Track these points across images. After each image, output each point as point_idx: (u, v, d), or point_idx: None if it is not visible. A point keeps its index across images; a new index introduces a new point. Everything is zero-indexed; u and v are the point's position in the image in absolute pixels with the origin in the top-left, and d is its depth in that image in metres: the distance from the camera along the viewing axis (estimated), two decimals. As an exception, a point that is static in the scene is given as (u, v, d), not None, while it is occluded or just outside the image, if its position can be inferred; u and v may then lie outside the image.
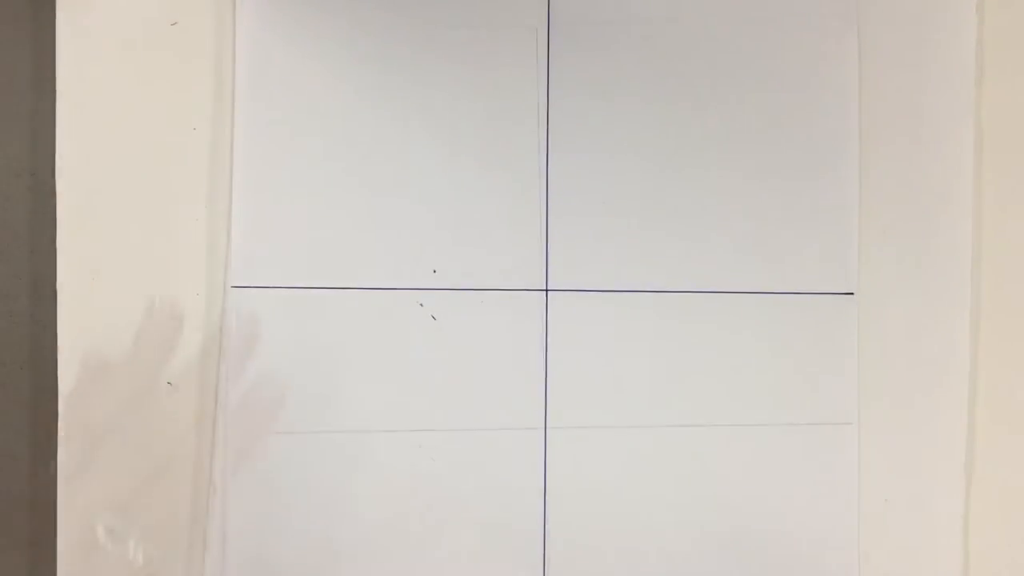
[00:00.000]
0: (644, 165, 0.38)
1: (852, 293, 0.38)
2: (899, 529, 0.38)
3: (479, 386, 0.37)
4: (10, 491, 0.34)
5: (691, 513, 0.37)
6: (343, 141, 0.37)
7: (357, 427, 0.37)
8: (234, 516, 0.36)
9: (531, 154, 0.38)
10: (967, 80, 0.38)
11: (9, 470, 0.38)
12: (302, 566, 0.36)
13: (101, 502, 0.32)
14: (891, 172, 0.38)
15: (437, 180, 0.37)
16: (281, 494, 0.36)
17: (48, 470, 0.35)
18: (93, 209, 0.37)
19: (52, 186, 0.37)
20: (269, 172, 0.37)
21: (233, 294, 0.37)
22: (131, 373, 0.35)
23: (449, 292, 0.37)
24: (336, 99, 0.37)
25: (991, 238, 0.38)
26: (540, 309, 0.37)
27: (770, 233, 0.38)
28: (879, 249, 0.38)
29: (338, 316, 0.37)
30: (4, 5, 0.38)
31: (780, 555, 0.38)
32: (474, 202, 0.37)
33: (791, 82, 0.38)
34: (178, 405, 0.34)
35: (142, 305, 0.37)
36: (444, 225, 0.37)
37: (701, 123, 0.38)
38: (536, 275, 0.37)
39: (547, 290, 0.37)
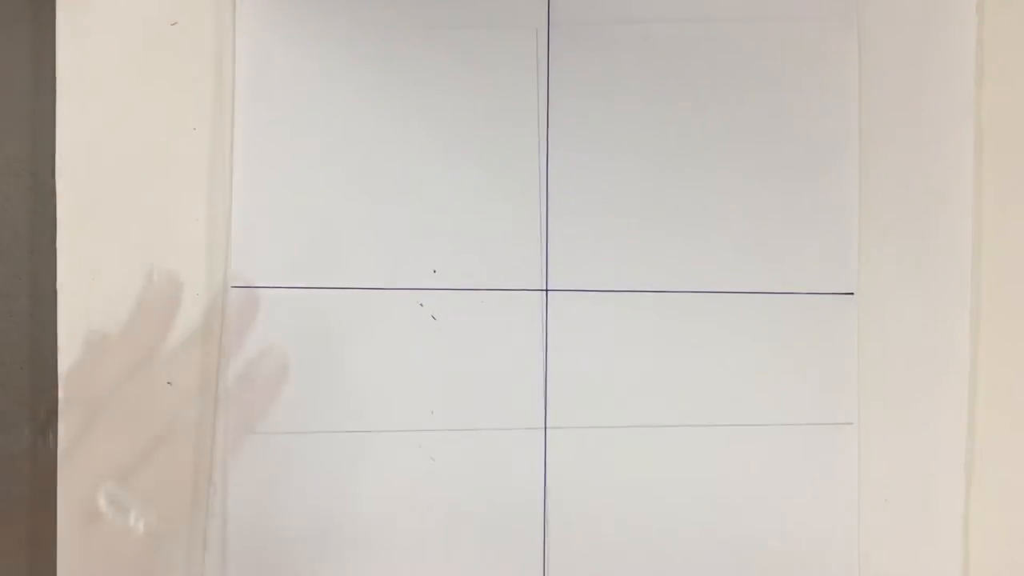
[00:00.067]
0: (644, 165, 0.38)
1: (852, 293, 0.38)
2: (899, 529, 0.38)
3: (479, 386, 0.37)
4: (10, 491, 0.34)
5: (691, 513, 0.37)
6: (343, 141, 0.37)
7: (357, 427, 0.37)
8: (233, 516, 0.36)
9: (531, 154, 0.38)
10: (967, 80, 0.38)
11: (9, 470, 0.38)
12: (302, 566, 0.36)
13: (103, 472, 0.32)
14: (891, 172, 0.38)
15: (437, 180, 0.37)
16: (280, 494, 0.36)
17: (47, 443, 0.35)
18: (93, 209, 0.37)
19: (52, 186, 0.37)
20: (269, 172, 0.37)
21: (233, 294, 0.37)
22: (131, 376, 0.35)
23: (449, 292, 0.37)
24: (336, 99, 0.37)
25: (991, 238, 0.38)
26: (540, 309, 0.37)
27: (770, 233, 0.38)
28: (879, 249, 0.38)
29: (338, 316, 0.37)
30: (4, 5, 0.38)
31: (780, 555, 0.38)
32: (474, 202, 0.37)
33: (791, 82, 0.38)
34: (177, 402, 0.34)
35: (143, 307, 0.37)
36: (444, 225, 0.37)
37: (701, 123, 0.38)
38: (536, 275, 0.37)
39: (547, 290, 0.37)
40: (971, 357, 0.38)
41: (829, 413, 0.38)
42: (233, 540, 0.36)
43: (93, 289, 0.37)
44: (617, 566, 0.37)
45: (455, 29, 0.38)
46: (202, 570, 0.36)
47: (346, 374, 0.37)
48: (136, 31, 0.38)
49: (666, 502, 0.37)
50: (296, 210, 0.37)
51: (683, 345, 0.37)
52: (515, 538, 0.37)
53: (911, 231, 0.38)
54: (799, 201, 0.38)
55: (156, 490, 0.32)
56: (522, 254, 0.37)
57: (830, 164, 0.38)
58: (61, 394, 0.34)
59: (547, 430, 0.37)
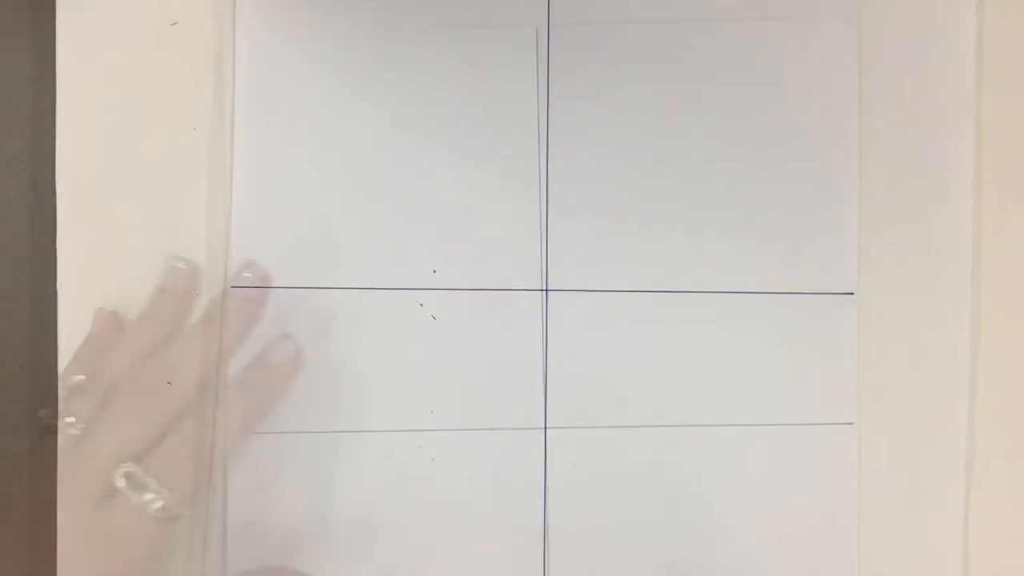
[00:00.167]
0: (644, 165, 0.38)
1: (852, 293, 0.38)
2: (899, 529, 0.38)
3: (479, 386, 0.37)
4: (10, 491, 0.34)
5: (691, 513, 0.37)
6: (343, 141, 0.37)
7: (356, 427, 0.37)
8: (233, 516, 0.36)
9: (531, 154, 0.38)
10: (967, 80, 0.38)
11: (9, 471, 0.38)
12: (302, 565, 0.36)
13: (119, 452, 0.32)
14: (891, 172, 0.38)
15: (437, 180, 0.37)
16: (279, 494, 0.36)
17: (47, 443, 0.35)
18: (93, 209, 0.37)
19: (52, 186, 0.37)
20: (269, 172, 0.37)
21: (233, 294, 0.37)
22: (129, 376, 0.35)
23: (449, 292, 0.37)
24: (336, 99, 0.37)
25: (991, 238, 0.38)
26: (540, 309, 0.37)
27: (770, 233, 0.38)
28: (879, 249, 0.38)
29: (338, 316, 0.37)
30: (4, 5, 0.38)
31: (780, 555, 0.38)
32: (474, 202, 0.37)
33: (791, 82, 0.38)
34: (177, 402, 0.34)
35: (142, 306, 0.37)
36: (444, 225, 0.37)
37: (701, 123, 0.38)
38: (535, 275, 0.37)
39: (546, 290, 0.37)
40: (971, 357, 0.38)
41: (829, 413, 0.38)
42: (233, 540, 0.36)
43: (93, 289, 0.37)
44: (618, 565, 0.37)
45: (455, 29, 0.38)
46: (202, 570, 0.36)
47: (346, 374, 0.37)
48: (136, 31, 0.38)
49: (666, 502, 0.37)
50: (296, 210, 0.37)
51: (683, 345, 0.37)
52: (515, 538, 0.37)
53: (911, 231, 0.38)
54: (799, 201, 0.38)
55: (170, 476, 0.32)
56: (522, 254, 0.37)
57: (830, 164, 0.38)
58: (75, 376, 0.34)
59: (547, 430, 0.37)
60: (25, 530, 0.34)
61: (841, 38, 0.38)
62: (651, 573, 0.37)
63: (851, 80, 0.38)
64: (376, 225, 0.37)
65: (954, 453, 0.38)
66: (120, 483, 0.31)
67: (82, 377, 0.34)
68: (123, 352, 0.35)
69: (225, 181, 0.37)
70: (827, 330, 0.38)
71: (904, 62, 0.38)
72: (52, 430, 0.33)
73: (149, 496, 0.31)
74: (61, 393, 0.34)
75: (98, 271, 0.37)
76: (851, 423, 0.38)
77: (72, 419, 0.33)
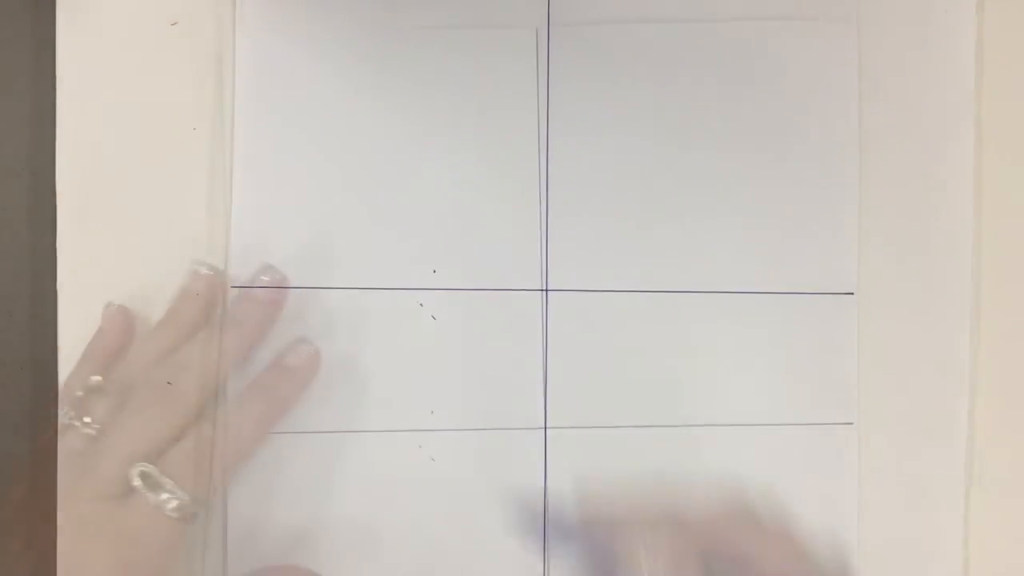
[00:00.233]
0: (644, 165, 0.38)
1: (852, 293, 0.38)
2: (899, 529, 0.38)
3: (479, 386, 0.37)
4: (10, 492, 0.34)
5: (691, 513, 0.37)
6: (343, 141, 0.37)
7: (356, 427, 0.37)
8: (233, 516, 0.36)
9: (531, 154, 0.38)
10: (967, 80, 0.38)
11: (9, 471, 0.38)
12: (303, 565, 0.36)
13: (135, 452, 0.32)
14: (891, 172, 0.38)
15: (437, 180, 0.37)
16: (279, 494, 0.36)
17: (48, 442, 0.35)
18: (93, 209, 0.37)
19: (52, 186, 0.37)
20: (269, 172, 0.37)
21: (233, 295, 0.37)
22: (146, 376, 0.35)
23: (449, 292, 0.37)
24: (336, 99, 0.37)
25: (991, 238, 0.38)
26: (539, 309, 0.37)
27: (770, 233, 0.38)
28: (879, 249, 0.38)
29: (337, 316, 0.37)
30: (4, 5, 0.38)
31: (780, 555, 0.38)
32: (474, 202, 0.37)
33: (791, 82, 0.38)
34: (193, 401, 0.34)
35: (142, 306, 0.37)
36: (444, 225, 0.37)
37: (701, 123, 0.38)
38: (535, 275, 0.37)
39: (546, 290, 0.37)
40: (971, 357, 0.38)
41: (829, 413, 0.38)
42: (233, 540, 0.36)
43: (93, 289, 0.37)
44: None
45: (455, 29, 0.38)
46: (202, 569, 0.36)
47: (346, 374, 0.37)
48: (136, 31, 0.38)
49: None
50: (296, 210, 0.37)
51: (682, 345, 0.37)
52: (516, 538, 0.37)
53: (911, 231, 0.38)
54: (799, 201, 0.38)
55: (185, 476, 0.32)
56: (522, 254, 0.37)
57: (830, 164, 0.38)
58: (92, 377, 0.34)
59: (547, 430, 0.37)
60: (25, 530, 0.34)
61: (841, 38, 0.38)
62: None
63: (851, 80, 0.38)
64: (376, 225, 0.37)
65: (954, 453, 0.38)
66: (136, 483, 0.32)
67: (99, 378, 0.34)
68: (141, 353, 0.35)
69: (225, 181, 0.37)
70: (827, 330, 0.38)
71: (904, 62, 0.38)
72: (65, 429, 0.33)
73: (164, 496, 0.32)
74: (77, 393, 0.34)
75: (98, 271, 0.37)
76: (851, 423, 0.38)
77: (88, 419, 0.33)
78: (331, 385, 0.37)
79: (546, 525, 0.37)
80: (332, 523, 0.37)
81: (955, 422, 0.38)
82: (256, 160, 0.37)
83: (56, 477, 0.32)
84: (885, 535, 0.38)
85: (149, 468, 0.32)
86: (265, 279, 0.36)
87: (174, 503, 0.32)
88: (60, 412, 0.34)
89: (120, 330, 0.36)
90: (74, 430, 0.33)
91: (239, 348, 0.35)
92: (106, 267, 0.37)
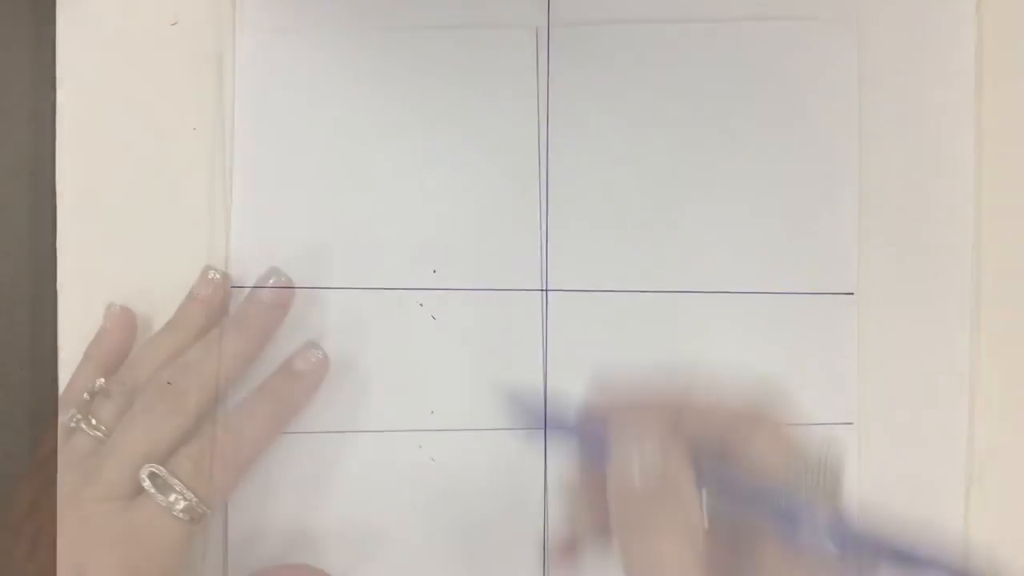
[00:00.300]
0: (644, 165, 0.38)
1: (852, 293, 0.38)
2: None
3: (479, 386, 0.37)
4: (10, 491, 0.34)
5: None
6: (343, 141, 0.37)
7: (355, 427, 0.37)
8: (233, 517, 0.36)
9: (531, 154, 0.38)
10: (967, 80, 0.38)
11: (9, 470, 0.38)
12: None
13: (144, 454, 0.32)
14: (891, 172, 0.38)
15: (437, 180, 0.37)
16: (279, 494, 0.36)
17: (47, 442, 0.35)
18: (93, 209, 0.37)
19: (52, 186, 0.37)
20: (269, 172, 0.37)
21: (233, 295, 0.37)
22: (153, 378, 0.35)
23: (449, 292, 0.37)
24: (336, 99, 0.38)
25: (991, 238, 0.38)
26: (539, 309, 0.37)
27: (770, 233, 0.38)
28: (879, 249, 0.38)
29: (337, 316, 0.37)
30: (4, 5, 0.39)
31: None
32: (474, 202, 0.37)
33: (791, 82, 0.38)
34: (200, 403, 0.34)
35: (142, 306, 0.37)
36: (444, 225, 0.37)
37: (701, 123, 0.38)
38: (535, 275, 0.37)
39: (546, 290, 0.37)
40: (971, 357, 0.38)
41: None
42: (233, 540, 0.36)
43: (93, 289, 0.37)
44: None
45: (455, 29, 0.38)
46: (202, 570, 0.36)
47: (346, 374, 0.37)
48: (136, 31, 0.38)
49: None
50: (296, 210, 0.37)
51: (683, 345, 0.37)
52: (515, 538, 0.37)
53: (911, 231, 0.38)
54: (799, 201, 0.38)
55: (193, 478, 0.33)
56: (522, 254, 0.37)
57: (830, 164, 0.38)
58: (97, 380, 0.34)
59: (547, 429, 0.37)
60: (25, 530, 0.34)
61: (841, 38, 0.38)
62: (651, 573, 0.37)
63: (851, 80, 0.38)
64: (376, 225, 0.37)
65: (954, 453, 0.38)
66: (146, 484, 0.32)
67: (102, 380, 0.34)
68: (148, 355, 0.35)
69: (225, 181, 0.37)
70: (827, 330, 0.38)
71: (904, 62, 0.38)
72: (72, 432, 0.33)
73: (173, 497, 0.32)
74: (83, 395, 0.34)
75: (98, 270, 0.37)
76: (851, 423, 0.38)
77: (94, 420, 0.33)
78: (331, 385, 0.37)
79: (546, 525, 0.37)
80: (332, 523, 0.36)
81: (955, 422, 0.38)
82: (256, 160, 0.37)
83: (56, 477, 0.32)
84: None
85: (158, 469, 0.32)
86: (271, 282, 0.36)
87: (182, 504, 0.32)
88: (63, 413, 0.34)
89: (122, 330, 0.36)
90: (81, 432, 0.33)
91: (245, 351, 0.35)
92: (106, 266, 0.37)
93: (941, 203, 0.38)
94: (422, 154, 0.37)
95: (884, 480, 0.38)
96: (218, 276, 0.36)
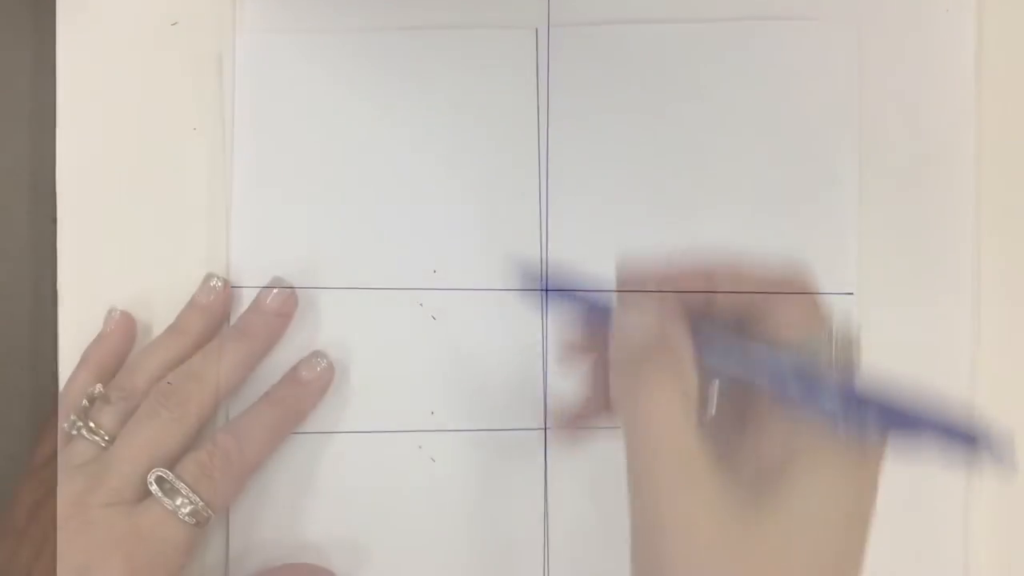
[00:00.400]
0: (644, 165, 0.38)
1: (852, 293, 0.38)
2: (899, 530, 0.38)
3: (479, 386, 0.37)
4: (10, 490, 0.34)
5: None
6: (343, 141, 0.37)
7: (355, 428, 0.37)
8: (233, 517, 0.36)
9: (531, 154, 0.38)
10: (967, 80, 0.38)
11: (9, 470, 0.38)
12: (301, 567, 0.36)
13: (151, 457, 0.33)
14: (891, 172, 0.38)
15: (437, 180, 0.37)
16: (279, 495, 0.36)
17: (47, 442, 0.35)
18: (93, 209, 0.37)
19: (52, 186, 0.37)
20: (269, 172, 0.37)
21: (233, 295, 0.37)
22: (157, 384, 0.35)
23: (449, 292, 0.37)
24: (336, 99, 0.38)
25: (991, 238, 0.38)
26: (539, 309, 0.37)
27: (770, 233, 0.38)
28: (879, 249, 0.38)
29: (337, 316, 0.37)
30: (4, 5, 0.39)
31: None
32: (474, 202, 0.37)
33: (791, 82, 0.38)
34: (204, 409, 0.34)
35: (141, 309, 0.37)
36: (444, 225, 0.37)
37: (701, 123, 0.38)
38: (535, 275, 0.37)
39: (546, 290, 0.37)
40: (971, 357, 0.38)
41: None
42: (233, 541, 0.36)
43: (93, 289, 0.37)
44: (619, 566, 0.37)
45: (455, 29, 0.38)
46: (205, 572, 0.36)
47: (346, 374, 0.37)
48: (136, 31, 0.38)
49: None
50: (296, 209, 0.37)
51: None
52: (516, 539, 0.37)
53: (911, 231, 0.38)
54: (799, 201, 0.38)
55: (199, 482, 0.33)
56: (522, 254, 0.37)
57: (830, 164, 0.38)
58: (95, 387, 0.34)
59: (547, 430, 0.37)
60: (29, 534, 0.34)
61: (841, 38, 0.38)
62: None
63: (851, 80, 0.38)
64: (376, 225, 0.37)
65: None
66: (153, 488, 0.32)
67: (100, 387, 0.34)
68: (151, 361, 0.35)
69: (225, 181, 0.37)
70: (827, 330, 0.38)
71: (904, 62, 0.38)
72: (72, 438, 0.34)
73: (180, 500, 0.32)
74: (81, 401, 0.34)
75: (98, 270, 0.37)
76: (851, 423, 0.38)
77: (93, 424, 0.33)
78: (331, 385, 0.37)
79: (546, 525, 0.37)
80: (332, 523, 0.36)
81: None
82: (256, 160, 0.37)
83: (56, 476, 0.32)
84: (885, 535, 0.38)
85: (165, 474, 0.32)
86: (275, 292, 0.36)
87: (188, 508, 0.32)
88: (62, 419, 0.34)
89: (122, 336, 0.36)
90: (80, 438, 0.33)
91: (248, 358, 0.35)
92: (106, 265, 0.37)
93: (941, 203, 0.38)
94: (422, 154, 0.37)
95: (884, 480, 0.38)
96: (219, 284, 0.36)
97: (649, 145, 0.38)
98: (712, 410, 0.29)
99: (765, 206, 0.38)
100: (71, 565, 0.31)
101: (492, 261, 0.37)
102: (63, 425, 0.34)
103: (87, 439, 0.33)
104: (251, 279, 0.37)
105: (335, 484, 0.37)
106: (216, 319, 0.36)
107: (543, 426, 0.37)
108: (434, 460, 0.37)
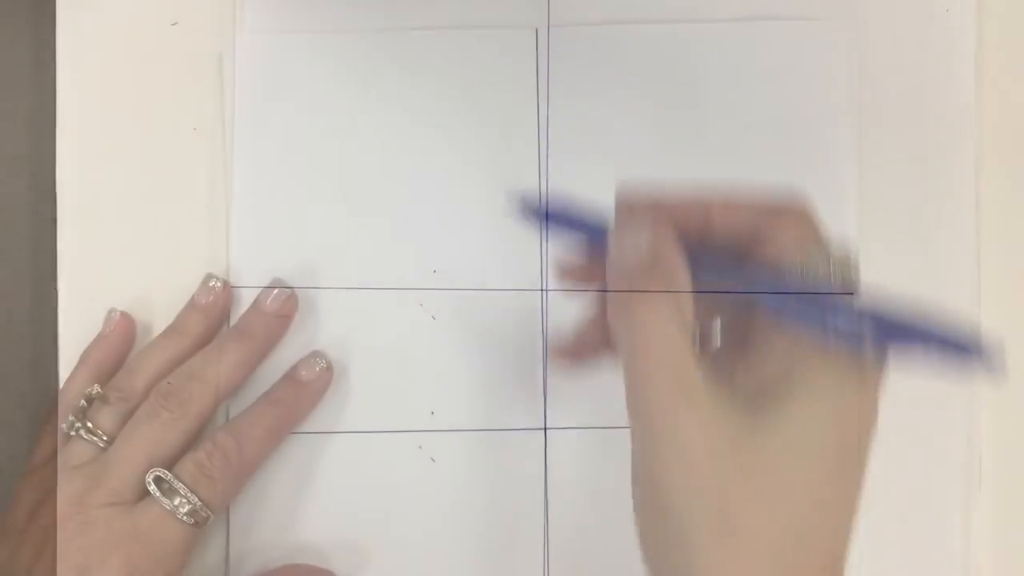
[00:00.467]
0: (644, 166, 0.38)
1: (852, 293, 0.38)
2: (900, 531, 0.38)
3: (479, 386, 0.37)
4: (10, 490, 0.34)
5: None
6: (343, 141, 0.37)
7: (355, 428, 0.37)
8: (233, 518, 0.36)
9: (531, 154, 0.38)
10: (967, 80, 0.38)
11: (9, 471, 0.38)
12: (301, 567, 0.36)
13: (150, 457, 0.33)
14: (891, 172, 0.38)
15: (437, 180, 0.37)
16: (279, 496, 0.36)
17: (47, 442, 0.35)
18: (93, 209, 0.37)
19: (52, 186, 0.37)
20: (269, 172, 0.37)
21: (233, 295, 0.37)
22: (156, 384, 0.35)
23: (449, 292, 0.37)
24: (336, 99, 0.38)
25: (991, 238, 0.38)
26: (539, 309, 0.37)
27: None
28: (879, 249, 0.38)
29: (337, 316, 0.37)
30: (4, 5, 0.39)
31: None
32: (474, 202, 0.37)
33: (791, 82, 0.38)
34: (204, 408, 0.34)
35: (141, 309, 0.37)
36: (444, 225, 0.37)
37: (701, 124, 0.38)
38: (535, 275, 0.37)
39: (546, 290, 0.37)
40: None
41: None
42: (234, 541, 0.36)
43: (94, 289, 0.37)
44: (619, 566, 0.37)
45: (455, 29, 0.38)
46: (204, 572, 0.36)
47: (346, 374, 0.37)
48: (136, 31, 0.38)
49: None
50: (296, 209, 0.37)
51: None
52: (516, 539, 0.37)
53: (911, 231, 0.38)
54: (799, 201, 0.38)
55: (197, 482, 0.33)
56: (522, 254, 0.37)
57: (830, 164, 0.38)
58: (93, 388, 0.34)
59: (547, 430, 0.37)
60: (29, 533, 0.34)
61: (841, 38, 0.38)
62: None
63: (851, 80, 0.38)
64: (376, 225, 0.37)
65: (955, 454, 0.38)
66: (152, 488, 0.32)
67: (98, 387, 0.34)
68: (150, 361, 0.35)
69: (225, 181, 0.37)
70: (827, 330, 0.38)
71: (904, 62, 0.38)
72: (71, 439, 0.33)
73: (178, 500, 0.32)
74: (80, 402, 0.34)
75: (98, 269, 0.37)
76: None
77: (91, 424, 0.33)
78: (331, 385, 0.37)
79: (546, 525, 0.37)
80: (332, 523, 0.36)
81: (956, 423, 0.38)
82: (256, 159, 0.37)
83: (56, 476, 0.32)
84: (885, 535, 0.38)
85: (164, 474, 0.32)
86: (275, 293, 0.36)
87: (187, 508, 0.32)
88: (61, 420, 0.34)
89: (121, 337, 0.36)
90: (79, 439, 0.33)
91: (247, 359, 0.35)
92: (106, 265, 0.37)
93: (941, 203, 0.38)
94: (422, 154, 0.37)
95: (884, 480, 0.38)
96: (219, 284, 0.36)
97: (648, 145, 0.38)
98: (717, 342, 0.28)
99: (765, 206, 0.38)
100: (71, 565, 0.31)
101: (492, 261, 0.37)
102: (62, 426, 0.34)
103: (85, 440, 0.33)
104: (251, 279, 0.37)
105: (335, 484, 0.37)
106: (216, 319, 0.36)
107: (543, 426, 0.37)
108: (434, 460, 0.37)
